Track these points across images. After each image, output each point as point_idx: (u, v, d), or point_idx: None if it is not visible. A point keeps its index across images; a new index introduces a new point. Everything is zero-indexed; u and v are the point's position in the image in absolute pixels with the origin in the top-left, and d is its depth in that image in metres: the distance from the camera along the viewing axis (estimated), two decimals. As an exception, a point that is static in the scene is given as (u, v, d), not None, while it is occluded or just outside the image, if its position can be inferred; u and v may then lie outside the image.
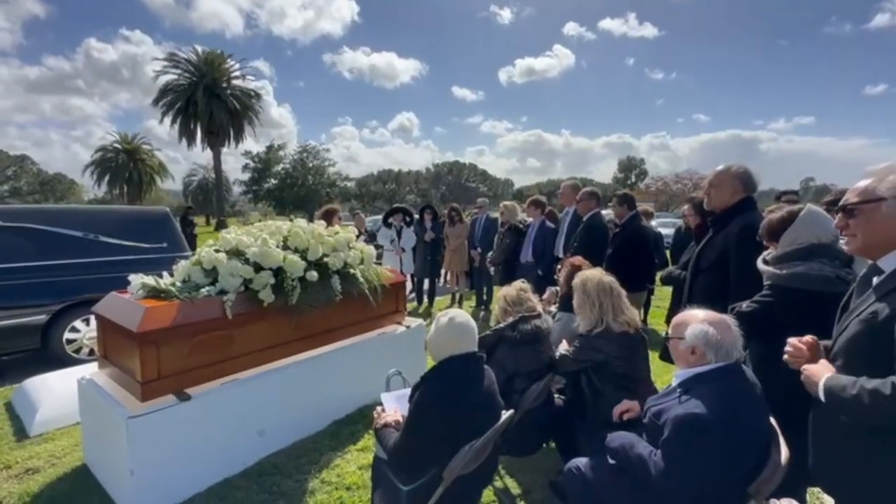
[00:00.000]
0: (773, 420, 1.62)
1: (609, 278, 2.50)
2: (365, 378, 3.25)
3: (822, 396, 1.32)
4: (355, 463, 2.73)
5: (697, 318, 1.65)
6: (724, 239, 2.38)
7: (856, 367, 1.28)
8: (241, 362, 2.67)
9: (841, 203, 1.37)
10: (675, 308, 3.60)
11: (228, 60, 30.77)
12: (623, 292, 2.49)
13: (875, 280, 1.32)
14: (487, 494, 2.41)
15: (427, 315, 6.41)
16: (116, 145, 35.38)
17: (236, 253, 2.74)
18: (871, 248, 1.32)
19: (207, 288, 2.56)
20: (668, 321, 4.18)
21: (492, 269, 6.05)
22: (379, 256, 3.75)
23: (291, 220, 3.17)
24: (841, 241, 1.41)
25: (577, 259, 2.99)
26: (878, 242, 1.30)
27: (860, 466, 1.30)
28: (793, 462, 1.53)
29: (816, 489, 2.37)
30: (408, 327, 3.76)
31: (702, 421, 1.45)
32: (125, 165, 34.63)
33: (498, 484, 2.53)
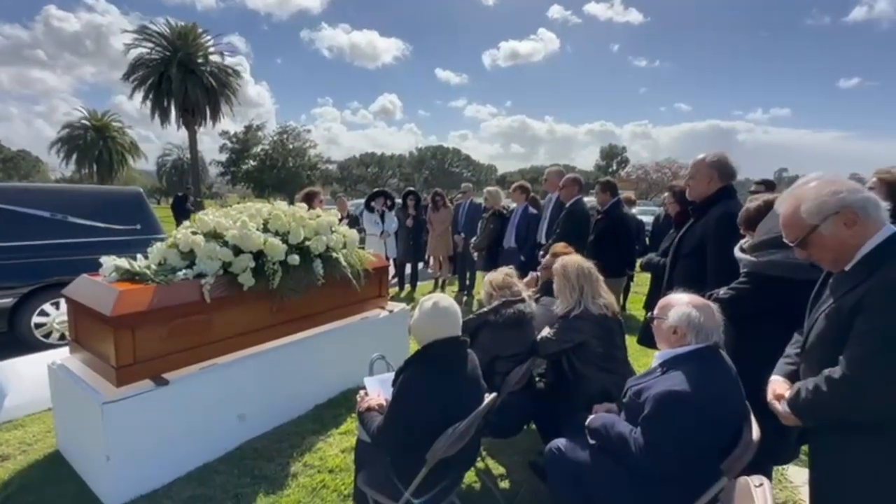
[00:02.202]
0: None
1: (588, 263, 2.54)
2: (348, 362, 3.25)
3: (791, 414, 1.40)
4: (338, 446, 2.74)
5: (683, 301, 1.71)
6: (704, 227, 2.42)
7: (827, 362, 1.33)
8: (220, 347, 2.63)
9: (788, 242, 1.43)
10: (654, 294, 3.69)
11: (203, 35, 29.45)
12: (600, 277, 2.54)
13: (840, 277, 1.38)
14: (470, 475, 2.45)
15: (410, 300, 6.41)
16: (85, 122, 33.60)
17: (214, 235, 2.67)
18: (842, 262, 1.37)
19: (185, 271, 2.49)
20: (646, 307, 4.29)
21: (475, 255, 6.07)
22: (362, 241, 3.71)
23: (271, 203, 3.10)
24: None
25: (561, 246, 3.03)
26: (843, 255, 1.35)
27: (843, 457, 1.35)
28: (761, 441, 1.60)
29: (781, 467, 2.49)
30: (391, 311, 3.76)
31: (681, 397, 1.51)
32: (94, 143, 32.95)
33: (480, 465, 2.58)
